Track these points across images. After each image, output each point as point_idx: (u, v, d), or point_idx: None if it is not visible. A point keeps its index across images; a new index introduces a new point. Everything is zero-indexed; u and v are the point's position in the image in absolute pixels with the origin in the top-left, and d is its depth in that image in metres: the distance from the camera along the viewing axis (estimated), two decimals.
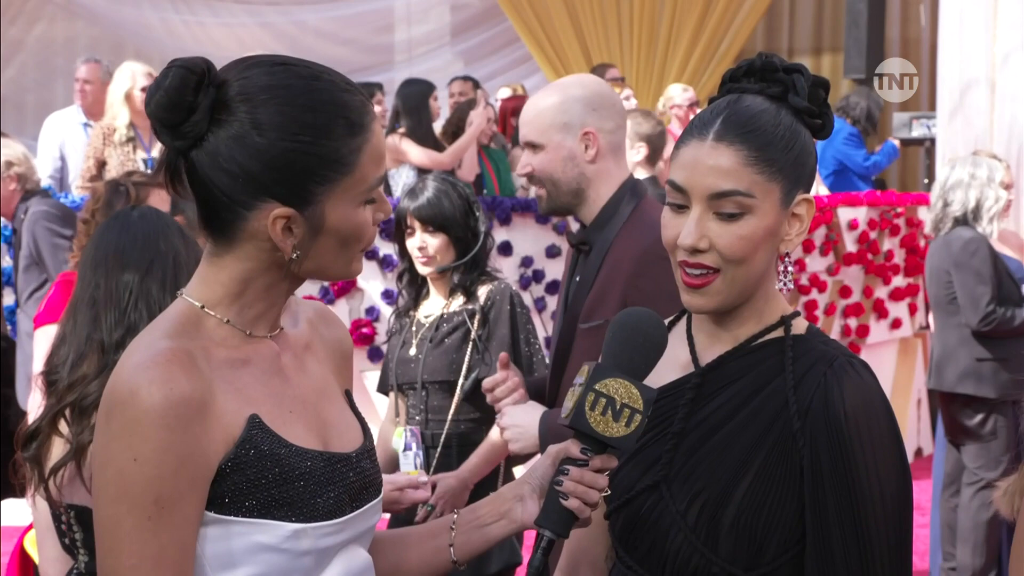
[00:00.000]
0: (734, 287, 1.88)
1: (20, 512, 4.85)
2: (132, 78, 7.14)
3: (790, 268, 1.95)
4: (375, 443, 4.26)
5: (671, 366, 1.96)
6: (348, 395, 1.91)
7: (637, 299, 2.70)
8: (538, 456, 2.51)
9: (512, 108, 9.06)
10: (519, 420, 2.90)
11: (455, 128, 8.02)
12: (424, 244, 3.82)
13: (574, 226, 3.44)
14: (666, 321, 2.06)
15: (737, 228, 1.85)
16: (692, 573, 1.87)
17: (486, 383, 3.05)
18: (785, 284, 1.95)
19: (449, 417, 3.85)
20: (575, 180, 2.99)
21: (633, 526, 1.92)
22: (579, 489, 1.78)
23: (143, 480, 1.59)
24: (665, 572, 1.89)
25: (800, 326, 1.95)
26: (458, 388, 3.84)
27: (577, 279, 3.06)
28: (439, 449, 3.85)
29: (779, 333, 1.93)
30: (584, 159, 2.98)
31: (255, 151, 1.63)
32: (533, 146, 3.02)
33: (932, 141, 8.34)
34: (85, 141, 7.80)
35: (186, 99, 1.62)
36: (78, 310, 2.66)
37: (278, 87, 1.65)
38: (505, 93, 9.91)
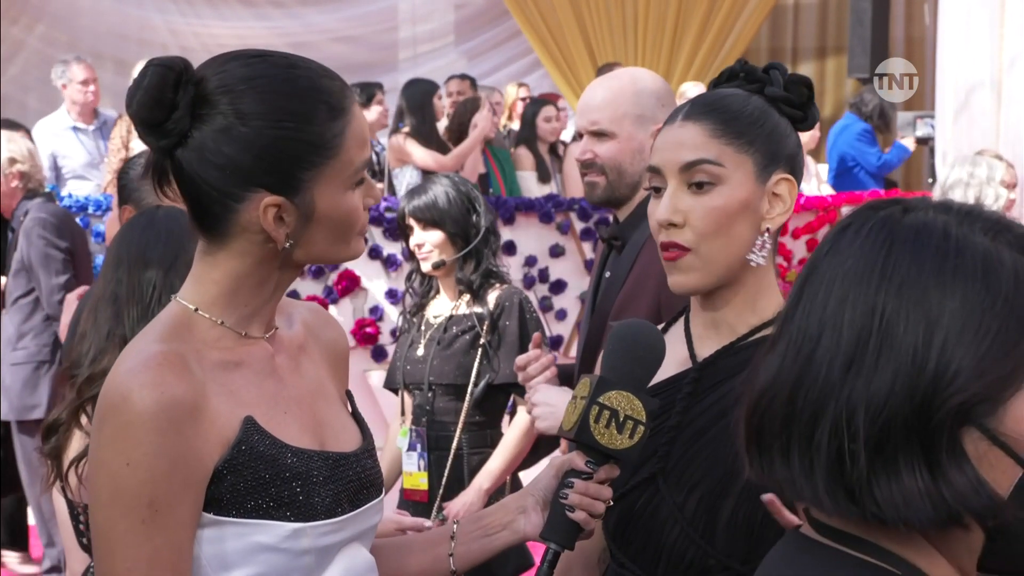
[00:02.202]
0: (712, 264, 1.91)
1: None
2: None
3: (767, 244, 1.95)
4: (387, 441, 4.30)
5: (669, 361, 1.96)
6: (349, 395, 1.91)
7: (672, 300, 2.69)
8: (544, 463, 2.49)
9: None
10: (551, 399, 2.90)
11: (457, 128, 8.02)
12: (422, 241, 3.87)
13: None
14: (666, 322, 2.09)
15: (709, 199, 1.90)
16: (688, 566, 1.87)
17: (519, 360, 3.03)
18: (757, 256, 1.94)
19: (460, 422, 3.87)
20: (638, 174, 2.95)
21: (628, 521, 1.93)
22: (585, 501, 1.79)
23: (136, 484, 1.59)
24: (660, 567, 1.89)
25: None
26: (467, 395, 3.86)
27: (607, 275, 3.04)
28: (451, 454, 3.88)
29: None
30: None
31: (240, 141, 1.63)
32: (601, 134, 2.98)
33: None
34: (78, 145, 7.76)
35: (167, 96, 1.62)
36: (100, 307, 2.66)
37: (257, 77, 1.66)
38: (513, 91, 9.87)
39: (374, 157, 7.47)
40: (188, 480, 1.61)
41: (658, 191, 1.95)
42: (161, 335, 1.67)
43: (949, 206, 1.20)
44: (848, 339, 1.15)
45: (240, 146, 1.63)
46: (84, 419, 2.58)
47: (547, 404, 2.91)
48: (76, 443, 2.61)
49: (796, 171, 1.97)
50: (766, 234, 1.94)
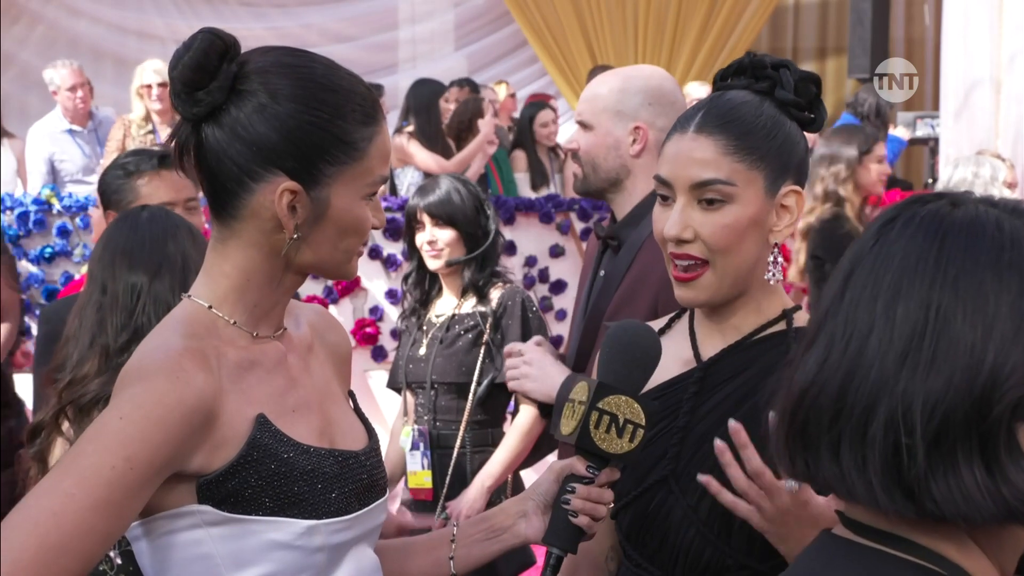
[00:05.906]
0: (725, 279, 1.90)
1: None
2: (150, 75, 7.25)
3: (779, 259, 1.96)
4: (389, 441, 4.31)
5: (674, 361, 1.96)
6: (352, 395, 1.92)
7: (670, 302, 2.70)
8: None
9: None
10: (546, 368, 2.91)
11: (456, 127, 8.02)
12: (434, 238, 3.85)
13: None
14: (667, 318, 2.09)
15: (720, 217, 1.88)
16: (705, 566, 1.87)
17: (516, 347, 3.05)
18: (774, 275, 1.95)
19: (463, 420, 3.87)
20: (615, 170, 2.98)
21: (642, 522, 1.93)
22: (587, 506, 1.79)
23: (124, 433, 1.56)
24: (677, 567, 1.89)
25: (802, 319, 1.96)
26: (471, 393, 3.87)
27: (602, 274, 3.03)
28: (455, 452, 3.89)
29: (782, 326, 1.95)
30: (629, 152, 2.97)
31: (273, 120, 1.65)
32: (584, 125, 3.02)
33: (936, 140, 8.33)
34: (75, 148, 7.75)
35: (212, 63, 1.64)
36: (84, 312, 2.64)
37: (299, 66, 1.70)
38: (502, 90, 9.85)
39: None
40: (159, 465, 1.58)
41: (665, 199, 1.94)
42: (180, 331, 1.68)
43: (995, 201, 1.19)
44: (902, 333, 1.13)
45: (271, 124, 1.65)
46: (65, 424, 2.58)
47: (542, 370, 2.92)
48: (59, 448, 2.60)
49: (803, 178, 1.97)
50: (776, 248, 1.95)
